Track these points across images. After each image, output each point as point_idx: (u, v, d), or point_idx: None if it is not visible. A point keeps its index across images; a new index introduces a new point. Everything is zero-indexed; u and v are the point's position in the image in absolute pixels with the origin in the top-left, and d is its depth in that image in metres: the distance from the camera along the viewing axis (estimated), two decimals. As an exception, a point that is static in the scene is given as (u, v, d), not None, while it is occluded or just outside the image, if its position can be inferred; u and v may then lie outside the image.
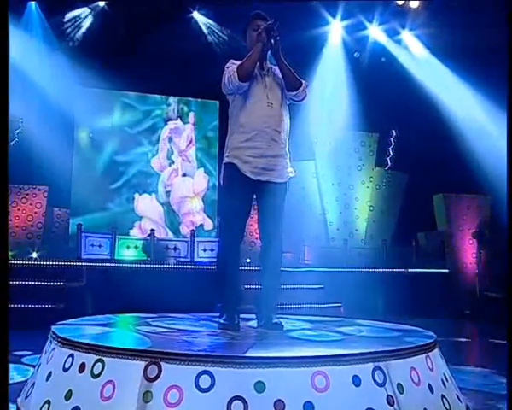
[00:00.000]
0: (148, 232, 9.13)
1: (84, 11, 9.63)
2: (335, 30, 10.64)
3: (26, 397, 2.73)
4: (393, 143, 11.06)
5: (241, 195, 3.32)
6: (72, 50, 9.32)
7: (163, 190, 10.38)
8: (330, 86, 10.45)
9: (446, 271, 9.71)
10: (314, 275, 8.31)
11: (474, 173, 8.88)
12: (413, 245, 9.94)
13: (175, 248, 8.94)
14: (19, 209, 8.91)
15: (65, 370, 2.50)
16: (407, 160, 10.31)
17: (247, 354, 2.35)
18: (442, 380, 2.77)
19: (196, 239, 9.07)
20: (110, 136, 10.13)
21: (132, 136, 10.28)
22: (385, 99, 9.48)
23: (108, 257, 8.37)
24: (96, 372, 2.38)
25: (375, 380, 2.38)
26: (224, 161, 3.42)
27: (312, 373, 2.28)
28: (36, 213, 9.00)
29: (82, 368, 2.43)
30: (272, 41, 3.35)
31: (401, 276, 9.27)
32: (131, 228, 10.00)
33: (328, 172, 10.51)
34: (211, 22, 10.26)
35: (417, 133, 9.65)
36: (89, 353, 2.46)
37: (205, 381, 2.23)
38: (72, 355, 2.52)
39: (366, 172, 10.76)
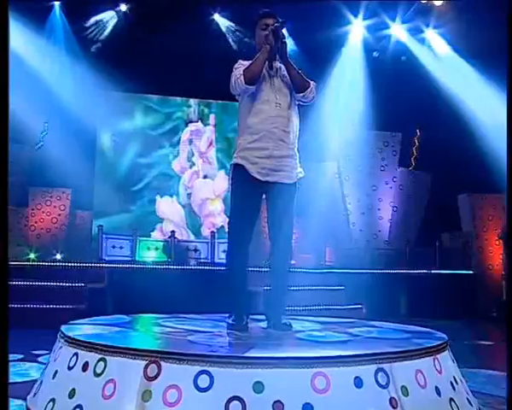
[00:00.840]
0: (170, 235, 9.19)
1: (106, 15, 9.77)
2: (357, 29, 10.57)
3: (35, 395, 2.77)
4: (417, 143, 10.90)
5: (249, 196, 3.31)
6: (94, 54, 9.46)
7: (184, 192, 10.43)
8: (352, 86, 10.38)
9: (471, 272, 9.52)
10: (335, 276, 8.24)
11: (500, 173, 8.66)
12: (437, 246, 9.77)
13: (195, 250, 8.98)
14: (43, 212, 9.09)
15: (69, 368, 2.53)
16: (431, 160, 10.14)
17: (246, 355, 2.34)
18: (451, 383, 2.70)
19: (216, 241, 9.09)
20: (132, 138, 10.25)
21: (153, 138, 10.38)
22: (408, 99, 9.37)
23: (129, 258, 8.46)
24: (98, 371, 2.40)
25: (377, 382, 2.34)
26: (232, 162, 3.41)
27: (312, 374, 2.25)
28: (60, 215, 9.17)
29: (85, 367, 2.46)
30: (279, 43, 3.32)
31: (425, 277, 9.13)
32: (153, 230, 10.08)
33: (350, 173, 10.40)
34: (231, 24, 10.30)
35: (441, 133, 9.49)
36: (92, 352, 2.48)
37: (204, 381, 2.22)
38: (76, 354, 2.55)
39: (389, 173, 10.62)
